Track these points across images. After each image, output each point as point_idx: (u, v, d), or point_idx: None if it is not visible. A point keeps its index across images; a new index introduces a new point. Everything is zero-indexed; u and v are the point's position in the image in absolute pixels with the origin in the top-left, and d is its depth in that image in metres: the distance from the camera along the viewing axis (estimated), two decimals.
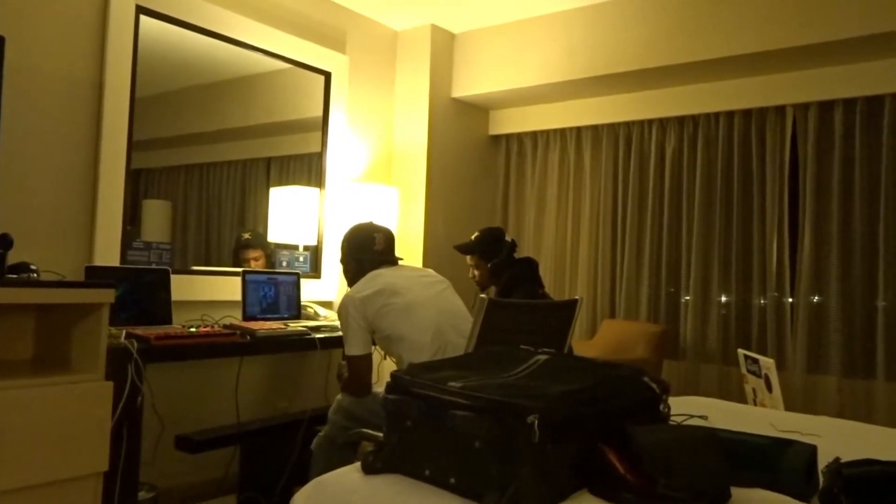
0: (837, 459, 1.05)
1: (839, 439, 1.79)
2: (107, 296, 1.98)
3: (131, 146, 2.90)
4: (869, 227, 3.42)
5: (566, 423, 1.29)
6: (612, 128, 4.26)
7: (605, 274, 4.19)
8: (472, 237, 3.17)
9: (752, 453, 1.44)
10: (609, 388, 1.48)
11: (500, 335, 2.23)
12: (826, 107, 3.57)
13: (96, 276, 2.54)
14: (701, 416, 1.93)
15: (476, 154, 4.59)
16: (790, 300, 3.58)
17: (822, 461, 1.42)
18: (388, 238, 2.66)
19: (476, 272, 3.15)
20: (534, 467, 1.23)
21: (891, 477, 0.97)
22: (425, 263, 4.09)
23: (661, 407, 1.56)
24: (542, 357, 1.59)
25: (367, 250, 2.59)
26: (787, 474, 1.40)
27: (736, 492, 1.33)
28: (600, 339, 3.77)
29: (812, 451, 1.46)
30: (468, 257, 3.17)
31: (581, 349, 3.34)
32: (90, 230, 2.77)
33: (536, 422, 1.23)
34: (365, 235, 2.63)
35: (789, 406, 3.34)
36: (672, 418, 1.81)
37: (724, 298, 3.79)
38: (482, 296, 2.24)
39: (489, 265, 3.08)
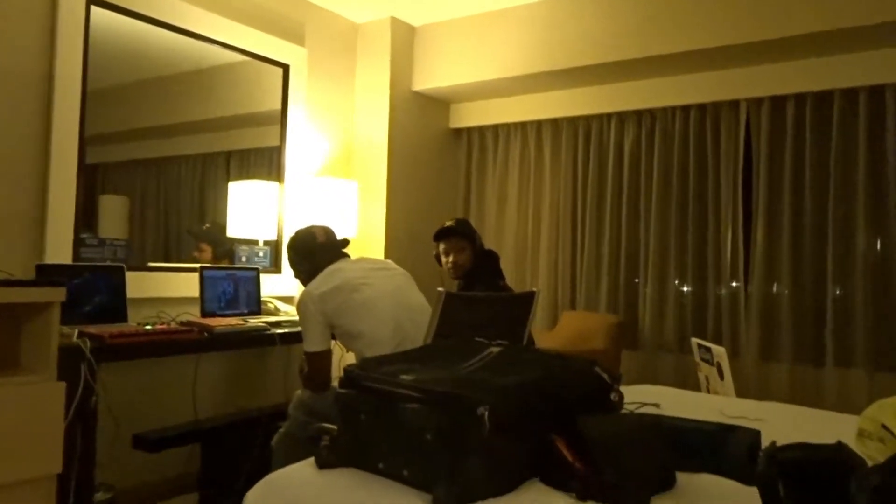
0: (773, 444, 1.09)
1: (784, 424, 1.85)
2: (57, 294, 1.94)
3: (84, 140, 2.84)
4: (819, 218, 3.52)
5: (516, 414, 1.32)
6: (572, 121, 4.31)
7: (566, 266, 4.24)
8: (448, 224, 3.09)
9: (698, 440, 1.49)
10: (560, 379, 1.51)
11: (458, 328, 2.25)
12: (778, 101, 3.65)
13: (48, 275, 2.49)
14: (653, 404, 1.97)
15: (437, 147, 4.59)
16: (744, 289, 3.67)
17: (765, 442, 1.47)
18: (328, 230, 2.66)
19: (459, 256, 3.02)
20: (484, 458, 1.25)
21: (821, 460, 1.01)
22: (387, 257, 4.09)
23: (612, 396, 1.60)
24: (495, 349, 1.61)
25: (312, 245, 2.60)
26: (730, 459, 1.44)
27: (682, 477, 1.38)
28: (560, 330, 3.81)
29: (755, 435, 1.51)
30: (443, 244, 3.06)
31: (542, 340, 3.38)
32: (41, 227, 2.71)
33: (486, 414, 1.25)
34: (304, 234, 2.65)
35: (742, 393, 3.42)
36: (626, 407, 1.85)
37: (680, 288, 3.87)
38: (440, 289, 2.25)
39: (475, 248, 3.03)
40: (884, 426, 1.21)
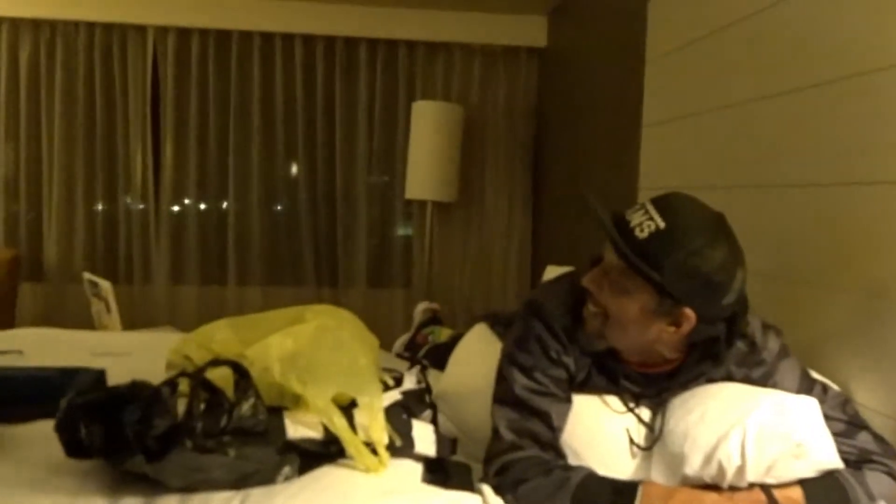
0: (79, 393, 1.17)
1: (149, 354, 1.97)
2: None
3: None
4: (222, 142, 3.77)
5: None
6: None
7: None
8: None
9: (35, 387, 1.49)
10: None
11: None
12: (184, 33, 3.74)
13: None
14: (17, 351, 1.88)
15: None
16: (154, 211, 3.73)
17: (120, 380, 1.55)
18: None
19: None
20: None
21: (113, 397, 1.13)
22: None
23: None
24: None
25: None
26: None
27: (12, 429, 1.36)
28: None
29: (99, 374, 1.60)
30: None
31: None
32: None
33: None
34: None
35: (152, 320, 3.55)
36: None
37: (89, 213, 3.70)
38: None
39: None
40: (187, 357, 1.42)
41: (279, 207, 3.90)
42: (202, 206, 3.82)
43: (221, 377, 1.18)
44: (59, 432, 1.13)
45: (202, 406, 1.08)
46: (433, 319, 2.60)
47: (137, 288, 3.69)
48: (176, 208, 3.79)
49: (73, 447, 1.13)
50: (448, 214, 3.90)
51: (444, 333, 2.41)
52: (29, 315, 3.44)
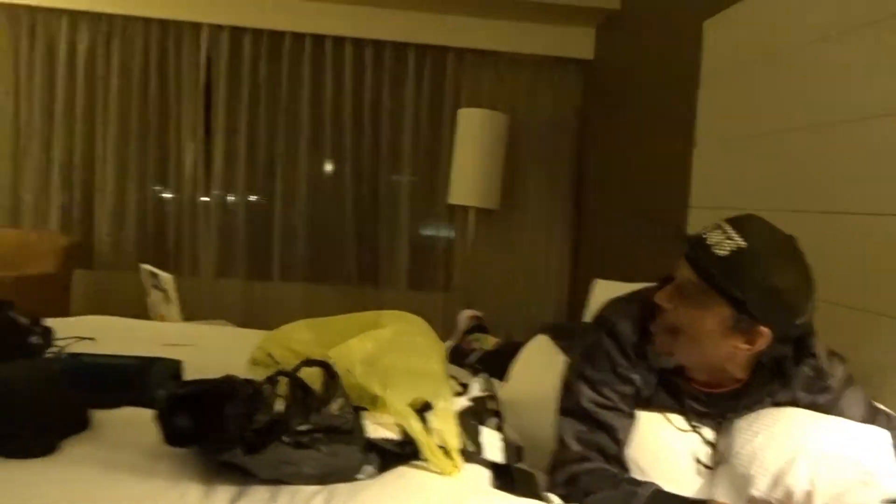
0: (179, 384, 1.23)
1: (213, 347, 2.05)
2: None
3: None
4: (271, 140, 3.86)
5: None
6: (12, 11, 3.71)
7: (4, 178, 3.73)
8: None
9: (117, 375, 1.56)
10: None
11: None
12: (238, 32, 3.83)
13: None
14: (89, 338, 1.95)
15: None
16: (204, 206, 3.83)
17: (193, 371, 1.61)
18: None
19: None
20: None
21: (209, 390, 1.18)
22: None
23: (34, 339, 1.54)
24: None
25: None
26: (151, 390, 1.56)
27: (101, 414, 1.42)
28: None
29: (176, 365, 1.66)
30: None
31: None
32: None
33: None
34: None
35: (198, 312, 3.63)
36: (59, 342, 1.80)
37: (140, 204, 3.81)
38: None
39: None
40: (269, 355, 1.48)
41: (324, 206, 3.97)
42: (250, 202, 3.90)
43: (308, 375, 1.24)
44: (160, 421, 1.19)
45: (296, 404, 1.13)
46: (478, 327, 2.65)
47: (185, 279, 3.77)
48: (224, 203, 3.88)
49: (172, 436, 1.19)
50: (489, 221, 3.95)
51: (489, 341, 2.45)
52: (80, 302, 3.54)
